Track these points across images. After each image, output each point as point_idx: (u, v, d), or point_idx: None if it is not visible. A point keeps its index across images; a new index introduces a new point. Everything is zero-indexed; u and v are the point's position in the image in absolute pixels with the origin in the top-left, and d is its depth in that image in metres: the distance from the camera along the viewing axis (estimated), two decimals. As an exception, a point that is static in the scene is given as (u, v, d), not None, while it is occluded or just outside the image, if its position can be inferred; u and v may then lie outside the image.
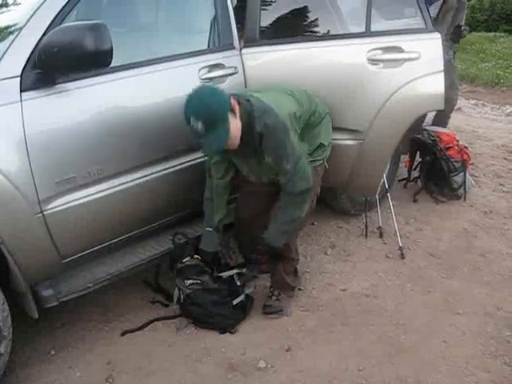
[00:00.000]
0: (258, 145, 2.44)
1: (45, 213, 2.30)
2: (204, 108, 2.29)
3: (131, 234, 2.76)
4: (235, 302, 2.83)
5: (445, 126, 5.39)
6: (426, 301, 3.03)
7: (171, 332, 2.81)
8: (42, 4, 2.34)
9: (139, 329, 2.82)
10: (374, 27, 3.04)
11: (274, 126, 2.40)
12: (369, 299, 3.04)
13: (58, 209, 2.35)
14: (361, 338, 2.74)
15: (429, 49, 3.04)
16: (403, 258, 3.45)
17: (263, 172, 2.66)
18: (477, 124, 6.80)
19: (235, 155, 2.63)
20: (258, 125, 2.39)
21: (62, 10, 2.32)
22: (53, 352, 2.70)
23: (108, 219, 2.59)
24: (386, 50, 2.99)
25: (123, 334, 2.79)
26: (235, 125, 2.38)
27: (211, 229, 2.85)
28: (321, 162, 2.79)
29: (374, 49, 2.98)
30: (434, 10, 5.19)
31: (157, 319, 2.87)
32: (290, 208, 2.58)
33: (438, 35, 3.04)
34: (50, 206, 2.32)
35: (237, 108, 2.39)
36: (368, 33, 3.02)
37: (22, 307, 2.46)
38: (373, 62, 2.98)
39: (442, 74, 2.99)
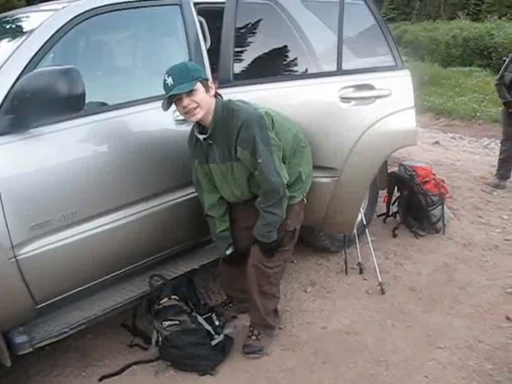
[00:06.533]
0: (235, 139, 2.53)
1: (18, 258, 2.28)
2: (179, 66, 2.48)
3: (107, 277, 2.73)
4: (214, 342, 2.80)
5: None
6: (407, 336, 3.01)
7: (150, 376, 2.75)
8: (15, 50, 2.38)
9: (117, 373, 2.76)
10: (346, 65, 3.11)
11: (251, 119, 2.52)
12: (349, 336, 3.02)
13: (32, 253, 2.33)
14: (342, 376, 2.71)
15: (399, 86, 3.12)
16: (383, 293, 3.44)
17: (236, 182, 2.68)
18: (455, 157, 6.92)
19: (213, 161, 2.65)
20: (236, 118, 2.52)
21: (34, 56, 2.36)
22: (28, 401, 2.63)
23: (83, 263, 2.56)
24: (358, 87, 3.06)
25: (101, 379, 2.73)
26: (207, 97, 2.50)
27: (215, 238, 2.93)
28: (300, 198, 2.80)
29: (346, 87, 3.04)
30: None
31: (135, 363, 2.82)
32: (265, 211, 2.62)
33: (407, 72, 3.11)
34: (24, 250, 2.30)
35: (212, 88, 2.55)
36: (340, 71, 3.09)
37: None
38: (345, 99, 3.04)
39: (413, 110, 3.05)
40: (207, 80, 2.55)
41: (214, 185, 2.77)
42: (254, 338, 2.91)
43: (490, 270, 3.75)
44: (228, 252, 2.92)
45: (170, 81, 2.40)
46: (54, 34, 2.44)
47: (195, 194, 2.88)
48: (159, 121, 2.74)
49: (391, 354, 2.86)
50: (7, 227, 2.21)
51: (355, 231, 3.71)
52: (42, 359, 2.86)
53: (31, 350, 2.41)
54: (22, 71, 2.30)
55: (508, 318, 3.13)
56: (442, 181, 4.53)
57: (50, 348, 2.81)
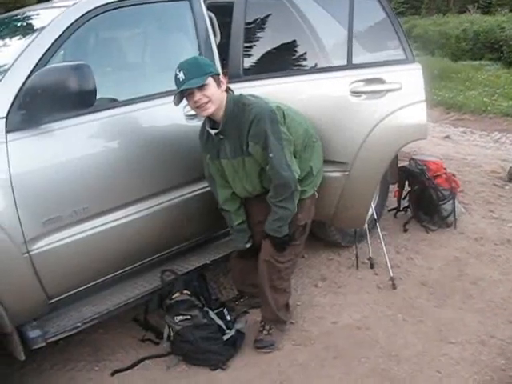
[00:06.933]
0: (247, 133, 2.53)
1: (31, 253, 2.30)
2: (190, 61, 2.49)
3: (119, 272, 2.74)
4: (226, 337, 2.80)
5: None
6: (418, 331, 3.00)
7: (162, 370, 2.76)
8: (26, 47, 2.39)
9: (129, 368, 2.77)
10: (356, 59, 3.10)
11: (262, 113, 2.52)
12: (360, 331, 3.01)
13: (45, 248, 2.35)
14: (353, 371, 2.70)
15: (410, 79, 3.10)
16: (395, 288, 3.43)
17: (247, 177, 2.69)
18: (466, 151, 6.86)
19: (224, 156, 2.65)
20: (247, 112, 2.52)
21: (46, 52, 2.36)
22: (41, 395, 2.65)
23: (95, 258, 2.58)
24: (368, 81, 3.05)
25: (113, 373, 2.74)
26: (218, 92, 2.51)
27: (234, 232, 2.95)
28: (311, 192, 2.80)
29: (356, 81, 3.04)
30: None
31: (147, 357, 2.83)
32: (276, 206, 2.63)
33: (418, 66, 3.09)
34: (37, 245, 2.32)
35: (224, 83, 2.55)
36: (350, 65, 3.08)
37: (8, 349, 2.42)
38: (355, 93, 3.03)
39: (424, 103, 3.04)
40: (218, 75, 2.54)
41: (227, 179, 2.77)
42: (265, 332, 2.91)
43: (502, 265, 3.72)
44: (248, 245, 2.93)
45: (181, 75, 2.41)
46: (64, 31, 2.44)
47: (207, 189, 2.89)
48: (170, 116, 2.75)
49: (403, 349, 2.85)
50: (20, 222, 2.22)
51: (366, 226, 3.69)
52: (55, 353, 2.88)
53: (44, 344, 2.43)
54: (34, 68, 2.30)
55: (520, 313, 3.12)
56: (453, 175, 4.49)
57: (62, 342, 2.84)
